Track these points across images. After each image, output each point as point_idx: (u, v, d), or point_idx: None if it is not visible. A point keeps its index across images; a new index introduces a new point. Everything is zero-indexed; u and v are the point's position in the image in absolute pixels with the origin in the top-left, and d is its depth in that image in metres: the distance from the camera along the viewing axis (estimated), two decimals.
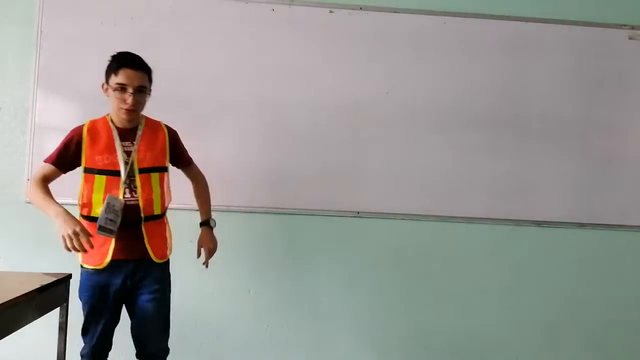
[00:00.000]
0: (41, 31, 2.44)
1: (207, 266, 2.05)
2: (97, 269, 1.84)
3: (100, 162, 1.84)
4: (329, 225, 2.54)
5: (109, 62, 1.86)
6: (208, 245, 2.05)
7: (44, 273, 1.85)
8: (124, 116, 1.85)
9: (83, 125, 1.88)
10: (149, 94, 1.90)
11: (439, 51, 2.57)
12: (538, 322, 2.62)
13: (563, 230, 2.60)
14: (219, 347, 2.54)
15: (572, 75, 2.60)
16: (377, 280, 2.57)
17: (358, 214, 2.53)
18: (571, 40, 2.60)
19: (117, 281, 1.85)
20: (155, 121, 1.99)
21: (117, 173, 1.83)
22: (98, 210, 1.80)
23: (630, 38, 2.61)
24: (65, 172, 1.87)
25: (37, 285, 1.66)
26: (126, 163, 1.85)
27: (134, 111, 1.85)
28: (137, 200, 1.85)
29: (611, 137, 2.61)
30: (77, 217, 1.79)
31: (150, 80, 1.90)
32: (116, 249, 1.83)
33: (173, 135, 2.01)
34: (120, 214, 1.80)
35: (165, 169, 1.96)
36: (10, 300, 1.50)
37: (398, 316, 2.59)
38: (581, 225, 2.60)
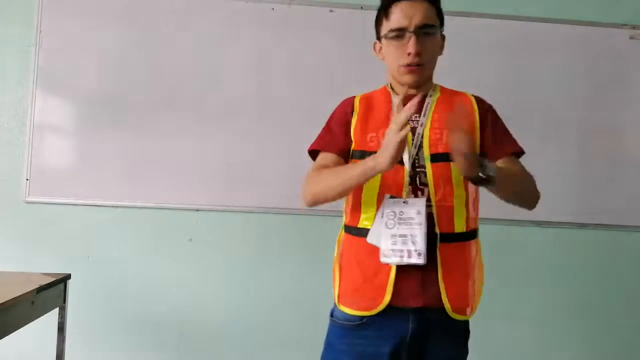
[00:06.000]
0: (40, 30, 2.43)
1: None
2: (362, 316, 1.20)
3: (373, 141, 1.24)
4: (330, 224, 2.53)
5: (380, 5, 1.28)
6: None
7: (43, 273, 1.85)
8: (406, 77, 1.26)
9: (354, 96, 1.37)
10: (443, 40, 1.28)
11: None
12: (538, 322, 2.61)
13: (563, 230, 2.60)
14: (219, 347, 2.53)
15: (572, 75, 2.60)
16: None
17: None
18: (571, 40, 2.60)
19: (388, 344, 1.20)
20: (456, 91, 1.35)
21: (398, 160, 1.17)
22: (369, 219, 1.22)
23: (630, 38, 2.61)
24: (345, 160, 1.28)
25: (36, 286, 1.66)
26: (411, 144, 1.22)
27: (421, 66, 1.24)
28: (430, 206, 1.20)
29: (611, 137, 2.61)
30: (340, 231, 1.34)
31: (441, 17, 1.26)
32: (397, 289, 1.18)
33: (486, 110, 1.32)
34: (422, 227, 1.16)
35: None
36: (10, 300, 1.50)
37: None
38: (581, 225, 2.60)
